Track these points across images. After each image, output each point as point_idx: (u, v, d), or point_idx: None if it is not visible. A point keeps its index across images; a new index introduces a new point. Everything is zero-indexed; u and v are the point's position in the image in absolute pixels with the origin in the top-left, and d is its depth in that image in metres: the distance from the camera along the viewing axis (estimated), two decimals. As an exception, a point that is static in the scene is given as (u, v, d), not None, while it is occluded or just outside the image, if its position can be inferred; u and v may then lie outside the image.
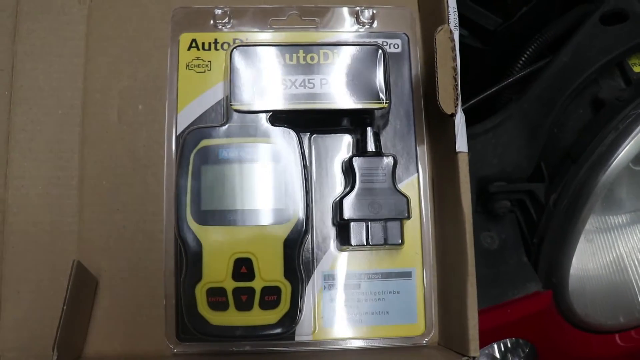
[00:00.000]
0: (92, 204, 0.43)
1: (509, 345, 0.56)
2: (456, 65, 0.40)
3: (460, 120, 0.40)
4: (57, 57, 0.45)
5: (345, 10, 0.47)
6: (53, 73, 0.45)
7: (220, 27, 0.46)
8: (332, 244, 0.43)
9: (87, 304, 0.42)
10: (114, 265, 0.43)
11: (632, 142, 0.46)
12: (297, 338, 0.42)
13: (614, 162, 0.46)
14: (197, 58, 0.45)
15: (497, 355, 0.57)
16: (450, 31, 0.40)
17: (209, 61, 0.45)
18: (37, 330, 0.41)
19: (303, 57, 0.41)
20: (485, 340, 0.52)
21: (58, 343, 0.36)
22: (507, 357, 0.57)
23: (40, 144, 0.44)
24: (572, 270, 0.50)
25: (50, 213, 0.43)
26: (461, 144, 0.40)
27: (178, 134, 0.43)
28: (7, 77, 0.45)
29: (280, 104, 0.40)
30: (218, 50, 0.45)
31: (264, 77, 0.41)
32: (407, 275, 0.43)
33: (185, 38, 0.45)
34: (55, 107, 0.45)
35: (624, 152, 0.46)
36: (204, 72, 0.44)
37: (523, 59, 0.53)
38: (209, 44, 0.45)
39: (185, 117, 0.44)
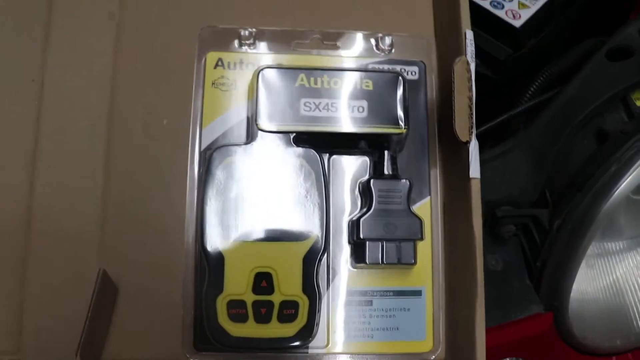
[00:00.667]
0: (115, 215, 0.45)
1: (508, 360, 0.57)
2: (472, 95, 0.42)
3: (474, 148, 0.42)
4: (85, 71, 0.47)
5: (365, 35, 0.49)
6: (81, 86, 0.46)
7: (245, 47, 0.47)
8: (347, 261, 0.44)
9: (108, 312, 0.43)
10: (134, 275, 0.44)
11: (634, 173, 0.48)
12: (311, 351, 0.43)
13: (617, 192, 0.48)
14: (223, 77, 0.46)
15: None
16: (468, 62, 0.42)
17: (234, 80, 0.46)
18: (57, 335, 0.42)
19: (327, 81, 0.43)
20: (487, 358, 0.54)
21: (81, 349, 0.37)
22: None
23: (67, 154, 0.45)
24: (572, 294, 0.52)
25: (74, 222, 0.44)
26: (474, 170, 0.42)
27: (202, 149, 0.45)
28: (37, 88, 0.46)
29: (303, 126, 0.42)
30: (243, 70, 0.46)
31: (288, 99, 0.42)
32: (417, 293, 0.45)
33: (211, 57, 0.47)
34: (82, 118, 0.46)
35: (626, 183, 0.48)
36: (229, 90, 0.46)
37: (532, 89, 0.55)
38: (235, 63, 0.47)
39: (209, 133, 0.45)
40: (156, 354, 0.43)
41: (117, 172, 0.45)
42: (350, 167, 0.46)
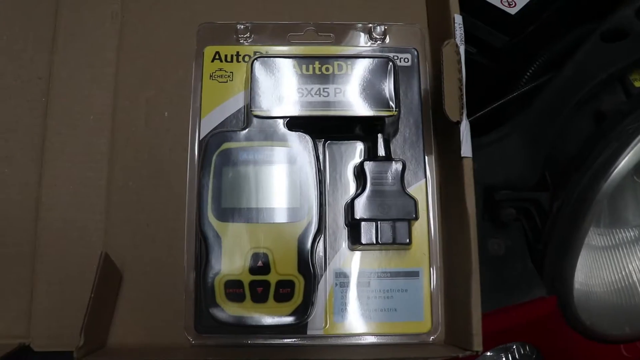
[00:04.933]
0: (119, 203, 0.46)
1: (517, 356, 0.57)
2: (462, 76, 0.42)
3: (465, 128, 0.42)
4: (90, 67, 0.49)
5: (359, 26, 0.50)
6: (86, 82, 0.48)
7: (242, 41, 0.49)
8: (344, 243, 0.45)
9: (112, 296, 0.44)
10: (138, 260, 0.45)
11: (632, 151, 0.48)
12: (310, 332, 0.43)
13: (615, 171, 0.48)
14: (220, 69, 0.48)
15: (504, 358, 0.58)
16: (456, 45, 0.43)
17: (231, 72, 0.48)
18: (65, 320, 0.44)
19: (319, 67, 0.44)
20: (491, 343, 0.53)
21: (85, 329, 0.39)
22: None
23: (73, 146, 0.47)
24: (578, 279, 0.51)
25: (80, 211, 0.46)
26: (466, 149, 0.42)
27: (201, 138, 0.46)
28: (44, 85, 0.48)
29: (296, 111, 0.43)
30: (240, 62, 0.48)
31: (282, 86, 0.44)
32: (414, 274, 0.45)
33: (209, 51, 0.48)
34: (87, 113, 0.48)
35: (625, 161, 0.48)
36: (226, 82, 0.47)
37: (528, 74, 0.56)
38: (232, 56, 0.48)
39: (208, 123, 0.47)
40: (160, 338, 0.44)
41: (121, 162, 0.47)
42: (348, 153, 0.47)
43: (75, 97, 0.48)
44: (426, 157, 0.47)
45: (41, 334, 0.44)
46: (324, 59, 0.44)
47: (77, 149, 0.47)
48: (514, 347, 0.55)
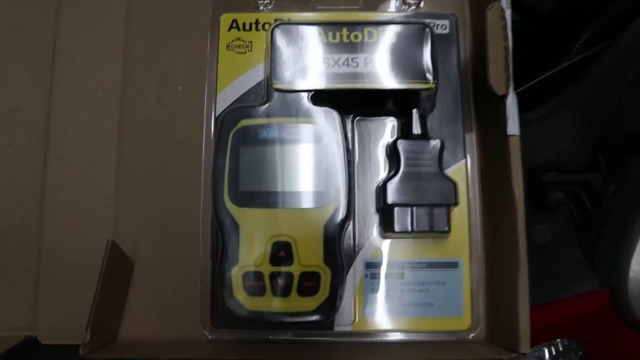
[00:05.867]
0: (129, 186, 0.43)
1: (560, 348, 0.52)
2: (508, 44, 0.38)
3: (511, 102, 0.38)
4: (97, 39, 0.45)
5: (391, -11, 0.45)
6: (93, 54, 0.45)
7: (261, 7, 0.45)
8: (375, 230, 0.41)
9: (122, 287, 0.41)
10: (150, 248, 0.42)
11: (701, 129, 0.42)
12: (336, 328, 0.40)
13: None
14: (238, 39, 0.44)
15: (547, 358, 0.54)
16: (502, 9, 0.38)
17: (249, 42, 0.43)
18: (73, 311, 0.41)
19: (347, 35, 0.40)
20: (535, 340, 0.49)
21: (92, 323, 0.35)
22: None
23: (79, 124, 0.44)
24: (633, 268, 0.47)
25: (87, 194, 0.43)
26: (513, 126, 0.37)
27: (217, 115, 0.42)
28: (48, 58, 0.45)
29: (322, 83, 0.39)
30: (259, 30, 0.44)
31: (305, 56, 0.39)
32: (453, 265, 0.41)
33: (226, 19, 0.44)
34: (94, 88, 0.44)
35: (693, 140, 0.43)
36: (245, 52, 0.43)
37: (579, 43, 0.50)
38: (250, 24, 0.44)
39: (225, 98, 0.43)
40: (174, 332, 0.41)
41: (131, 142, 0.44)
42: (379, 130, 0.43)
43: (82, 71, 0.45)
44: (466, 135, 0.43)
45: (47, 326, 0.41)
46: (353, 25, 0.40)
47: (84, 127, 0.44)
48: (558, 343, 0.50)
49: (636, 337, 0.49)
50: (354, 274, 0.41)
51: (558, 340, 0.50)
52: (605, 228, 0.46)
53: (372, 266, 0.41)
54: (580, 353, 0.52)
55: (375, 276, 0.40)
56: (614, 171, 0.46)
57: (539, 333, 0.48)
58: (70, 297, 0.41)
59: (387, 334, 0.40)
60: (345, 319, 0.40)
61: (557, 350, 0.53)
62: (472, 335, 0.40)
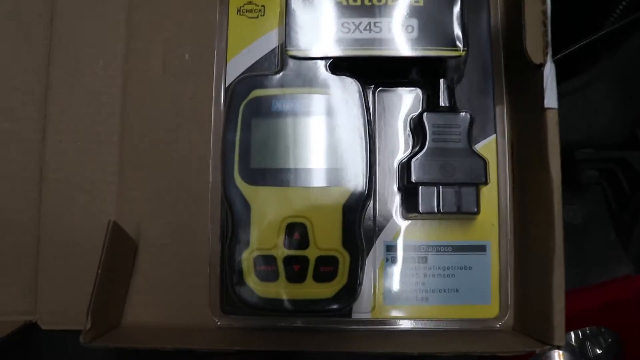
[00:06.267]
0: (134, 162, 0.40)
1: (587, 332, 0.50)
2: (546, 7, 0.35)
3: (549, 72, 0.34)
4: (98, 3, 0.42)
5: (415, -52, 0.41)
6: (94, 20, 0.42)
7: (276, -33, 0.41)
8: (397, 211, 0.38)
9: (126, 270, 0.38)
10: (156, 228, 0.39)
11: None
12: (354, 315, 0.37)
13: None
14: (250, 2, 0.40)
15: (574, 342, 0.52)
16: (541, -32, 0.34)
17: (262, 5, 0.40)
18: (74, 295, 0.38)
19: (368, -3, 0.36)
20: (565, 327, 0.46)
21: (92, 310, 0.33)
22: (586, 345, 0.51)
23: (80, 96, 0.41)
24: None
25: (90, 171, 0.40)
26: (550, 99, 0.34)
27: (227, 85, 0.39)
28: (46, 25, 0.42)
29: (341, 50, 0.36)
30: (273, -7, 0.40)
31: (323, 20, 0.36)
32: (481, 249, 0.38)
33: (236, -20, 0.41)
34: (95, 57, 0.41)
35: None
36: (257, 17, 0.40)
37: (620, 7, 0.46)
38: (263, -14, 0.40)
39: (235, 67, 0.40)
40: (181, 318, 0.39)
41: (135, 115, 0.41)
42: (401, 102, 0.40)
43: (82, 38, 0.41)
44: (496, 108, 0.39)
45: (47, 310, 0.39)
46: (376, -14, 0.36)
47: (85, 99, 0.41)
48: (589, 332, 0.48)
49: (672, 326, 0.47)
50: (374, 258, 0.38)
51: (588, 329, 0.47)
52: (643, 209, 0.43)
53: (393, 249, 0.38)
54: (610, 340, 0.49)
55: (396, 260, 0.38)
56: (654, 148, 0.43)
57: (569, 319, 0.46)
58: (71, 281, 0.39)
59: (409, 321, 0.38)
60: (364, 305, 0.37)
61: (584, 334, 0.50)
62: (499, 324, 0.38)
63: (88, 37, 0.41)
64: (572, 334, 0.51)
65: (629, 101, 0.44)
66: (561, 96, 0.44)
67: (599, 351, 0.49)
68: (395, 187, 0.39)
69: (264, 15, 0.40)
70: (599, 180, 0.46)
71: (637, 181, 0.44)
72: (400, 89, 0.40)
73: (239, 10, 0.40)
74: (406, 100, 0.40)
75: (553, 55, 0.46)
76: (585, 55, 0.48)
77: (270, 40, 0.40)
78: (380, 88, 0.39)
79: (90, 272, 0.35)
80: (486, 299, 0.38)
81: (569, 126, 0.44)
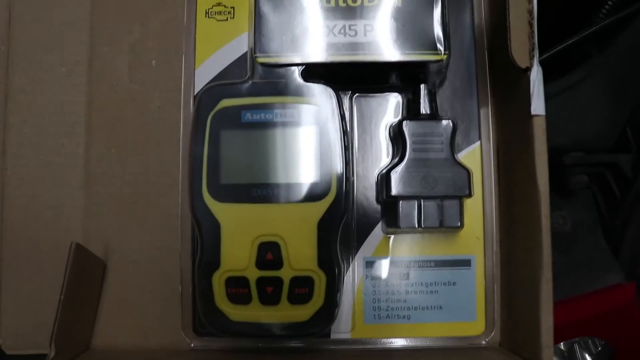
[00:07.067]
0: (100, 175, 0.39)
1: (584, 352, 0.49)
2: (532, 7, 0.33)
3: (536, 76, 0.33)
4: (59, 7, 0.40)
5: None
6: (55, 25, 0.40)
7: (246, -34, 0.39)
8: (377, 225, 0.37)
9: (93, 291, 0.37)
10: (124, 246, 0.38)
11: None
12: (333, 335, 0.36)
13: None
14: (219, 4, 0.39)
15: (563, 347, 0.50)
16: (526, -34, 0.33)
17: (232, 7, 0.38)
18: (39, 316, 0.37)
19: (343, -2, 0.34)
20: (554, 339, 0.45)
21: (56, 337, 0.32)
22: (575, 350, 0.50)
23: (42, 106, 0.39)
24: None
25: (54, 185, 0.39)
26: (537, 105, 0.33)
27: (196, 93, 0.37)
28: (3, 31, 0.40)
29: (315, 56, 0.34)
30: (243, -6, 0.38)
31: (295, 24, 0.34)
32: (465, 263, 0.37)
33: (204, -20, 0.39)
34: (58, 64, 0.39)
35: None
36: (226, 19, 0.38)
37: (608, 4, 0.45)
38: (233, -14, 0.38)
39: (204, 73, 0.38)
40: (154, 340, 0.38)
41: (101, 126, 0.39)
42: (380, 108, 0.38)
43: (43, 44, 0.39)
44: (481, 114, 0.38)
45: (12, 333, 0.38)
46: (350, -14, 0.34)
47: (47, 109, 0.39)
48: (582, 342, 0.47)
49: (665, 333, 0.45)
50: (353, 275, 0.37)
51: (581, 340, 0.46)
52: (635, 215, 0.42)
53: (374, 265, 0.37)
54: (601, 348, 0.48)
55: (376, 277, 0.36)
56: (646, 151, 0.42)
57: (559, 330, 0.44)
58: (36, 303, 0.37)
59: (391, 340, 0.36)
60: (344, 325, 0.36)
61: (580, 353, 0.49)
62: (485, 340, 0.37)
63: (49, 43, 0.40)
64: (566, 352, 0.50)
65: (620, 100, 0.43)
66: (549, 97, 0.43)
67: (588, 358, 0.48)
68: (373, 199, 0.37)
69: (233, 17, 0.38)
70: (589, 185, 0.45)
71: (628, 185, 0.42)
72: (379, 94, 0.38)
73: (207, 13, 0.38)
74: (386, 106, 0.38)
75: (540, 54, 0.45)
76: (574, 54, 0.47)
77: (240, 44, 0.38)
78: (357, 94, 0.38)
79: (55, 294, 0.34)
80: (471, 316, 0.36)
81: (557, 129, 0.43)
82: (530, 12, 0.33)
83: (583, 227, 0.45)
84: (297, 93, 0.34)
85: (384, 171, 0.35)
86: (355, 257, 0.36)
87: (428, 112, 0.35)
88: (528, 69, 0.32)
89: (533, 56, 0.32)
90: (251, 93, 0.34)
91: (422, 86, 0.36)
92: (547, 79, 0.43)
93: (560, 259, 0.44)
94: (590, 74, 0.43)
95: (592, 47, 0.47)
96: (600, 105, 0.43)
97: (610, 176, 0.44)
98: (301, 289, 0.32)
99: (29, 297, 0.38)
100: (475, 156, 0.37)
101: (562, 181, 0.44)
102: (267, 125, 0.34)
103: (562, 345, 0.51)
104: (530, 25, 0.33)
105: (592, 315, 0.43)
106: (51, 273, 0.37)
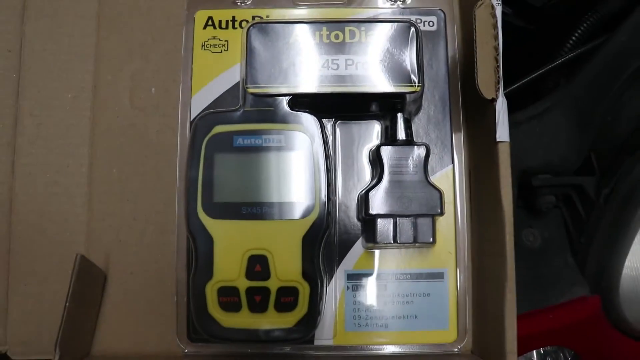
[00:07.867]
0: (102, 194, 0.41)
1: (548, 348, 0.51)
2: (498, 44, 0.36)
3: (501, 107, 0.36)
4: (67, 37, 0.43)
5: (376, -16, 0.43)
6: (63, 54, 0.42)
7: (239, 3, 0.42)
8: (358, 240, 0.39)
9: (94, 300, 0.39)
10: (124, 259, 0.40)
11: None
12: (317, 342, 0.38)
13: (678, 155, 0.41)
14: (214, 37, 0.41)
15: (535, 357, 0.53)
16: (492, 6, 0.36)
17: (226, 40, 0.41)
18: (44, 325, 0.39)
19: (327, 35, 0.37)
20: (525, 347, 0.48)
21: (60, 342, 0.34)
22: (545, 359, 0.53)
23: (49, 129, 0.42)
24: (625, 273, 0.45)
25: (59, 203, 0.41)
26: (502, 132, 0.36)
27: (192, 118, 0.40)
28: (15, 59, 0.42)
29: (301, 87, 0.37)
30: (236, 28, 0.41)
31: (283, 58, 0.37)
32: (438, 276, 0.39)
33: (200, 16, 0.42)
34: (64, 90, 0.42)
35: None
36: (221, 52, 0.41)
37: (573, 39, 0.48)
38: (227, 21, 0.42)
39: (200, 100, 0.41)
40: (149, 346, 0.40)
41: (103, 147, 0.42)
42: (362, 135, 0.41)
43: (51, 72, 0.42)
44: (454, 139, 0.41)
45: (18, 341, 0.40)
46: (334, 24, 0.38)
47: (54, 132, 0.42)
48: (550, 352, 0.49)
49: (628, 343, 0.48)
50: (336, 286, 0.39)
51: (549, 349, 0.48)
52: (597, 233, 0.45)
53: (354, 277, 0.39)
54: (569, 358, 0.51)
55: (357, 288, 0.39)
56: (607, 175, 0.45)
57: (529, 339, 0.47)
58: (41, 311, 0.40)
59: (370, 347, 0.39)
60: (326, 332, 0.38)
61: (545, 351, 0.52)
62: (458, 347, 0.39)
63: (57, 71, 0.42)
64: (535, 352, 0.52)
65: (585, 127, 0.45)
66: (518, 124, 0.46)
67: (559, 367, 0.51)
68: (354, 217, 0.40)
69: (227, 50, 0.41)
70: (557, 205, 0.47)
71: (592, 206, 0.45)
72: (359, 121, 0.41)
73: (203, 45, 0.41)
74: (367, 132, 0.41)
75: (512, 83, 0.48)
76: (542, 84, 0.50)
77: (233, 74, 0.41)
78: (339, 121, 0.41)
79: (60, 302, 0.36)
80: (444, 324, 0.39)
81: (527, 153, 0.45)
82: (496, 49, 0.36)
83: (552, 243, 0.47)
84: (285, 120, 0.37)
85: (363, 192, 0.38)
86: (337, 270, 0.39)
87: (404, 138, 0.38)
88: (494, 100, 0.35)
89: (498, 88, 0.35)
90: (243, 120, 0.37)
91: (399, 114, 0.38)
92: (517, 107, 0.46)
93: (530, 273, 0.47)
94: (557, 103, 0.46)
95: (560, 77, 0.49)
96: (566, 131, 0.45)
97: (576, 197, 0.46)
98: (287, 298, 0.35)
99: (35, 306, 0.40)
100: (448, 178, 0.40)
101: (532, 201, 0.46)
102: (257, 149, 0.36)
103: (534, 355, 0.53)
104: (496, 60, 0.36)
105: (560, 326, 0.45)
106: (56, 284, 0.39)
